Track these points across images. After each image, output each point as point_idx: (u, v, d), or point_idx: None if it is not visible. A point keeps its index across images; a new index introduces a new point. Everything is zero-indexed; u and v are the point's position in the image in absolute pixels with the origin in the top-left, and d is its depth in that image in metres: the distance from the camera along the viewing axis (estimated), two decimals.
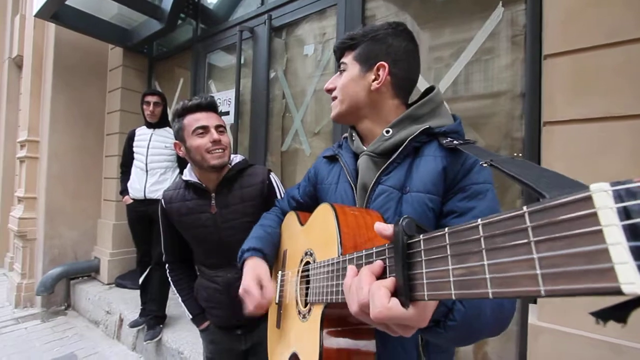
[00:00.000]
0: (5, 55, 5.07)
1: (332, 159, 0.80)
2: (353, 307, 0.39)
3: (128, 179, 2.54)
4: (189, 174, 1.14)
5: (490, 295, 0.24)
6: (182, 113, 1.08)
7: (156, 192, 2.42)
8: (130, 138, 2.57)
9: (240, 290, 0.73)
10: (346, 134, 0.81)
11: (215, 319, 1.18)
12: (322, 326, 0.53)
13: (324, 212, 0.62)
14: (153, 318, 2.40)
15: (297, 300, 0.68)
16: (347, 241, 0.52)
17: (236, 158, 1.19)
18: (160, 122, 2.54)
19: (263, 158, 2.45)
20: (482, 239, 0.25)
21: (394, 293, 0.35)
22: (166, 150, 2.49)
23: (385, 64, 0.67)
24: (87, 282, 3.44)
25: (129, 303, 2.88)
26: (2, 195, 4.87)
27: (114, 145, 3.53)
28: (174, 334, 2.30)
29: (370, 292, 0.36)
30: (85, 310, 3.18)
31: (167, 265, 1.27)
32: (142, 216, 2.50)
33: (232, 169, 1.14)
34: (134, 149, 2.52)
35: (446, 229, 0.29)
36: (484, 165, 0.43)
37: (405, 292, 0.33)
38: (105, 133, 3.69)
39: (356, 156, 0.72)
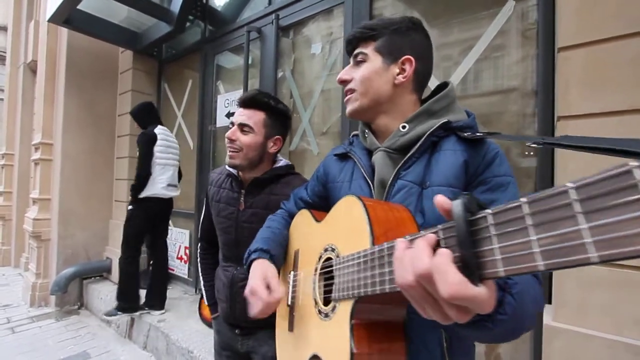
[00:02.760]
0: (20, 61, 5.21)
1: (343, 157, 0.78)
2: (407, 278, 0.36)
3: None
4: None
5: (597, 259, 0.23)
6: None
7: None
8: (150, 139, 2.72)
9: (247, 291, 0.70)
10: (355, 132, 0.80)
11: (221, 311, 1.19)
12: (354, 324, 0.51)
13: (348, 204, 0.60)
14: (157, 304, 2.71)
15: (315, 300, 0.66)
16: (379, 232, 0.50)
17: (281, 162, 1.17)
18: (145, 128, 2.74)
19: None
20: (574, 202, 0.24)
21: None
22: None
23: (412, 58, 0.66)
24: (99, 282, 3.50)
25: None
26: (17, 196, 4.99)
27: (124, 147, 3.58)
28: (184, 333, 2.31)
29: (435, 265, 0.33)
30: (97, 310, 3.23)
31: (199, 244, 1.32)
32: (157, 212, 2.71)
33: (268, 172, 1.11)
34: (153, 149, 2.68)
35: (523, 198, 0.28)
36: (534, 145, 0.42)
37: (475, 269, 0.31)
38: (117, 135, 3.74)
39: (369, 153, 0.71)
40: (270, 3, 2.59)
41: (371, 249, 0.47)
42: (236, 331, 1.16)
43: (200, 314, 2.52)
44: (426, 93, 0.75)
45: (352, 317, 0.51)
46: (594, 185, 0.23)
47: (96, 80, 3.65)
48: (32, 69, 4.96)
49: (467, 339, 0.61)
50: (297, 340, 0.71)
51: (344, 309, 0.54)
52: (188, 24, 3.09)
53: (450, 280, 0.32)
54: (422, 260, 0.34)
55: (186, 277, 3.24)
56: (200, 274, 1.32)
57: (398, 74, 0.66)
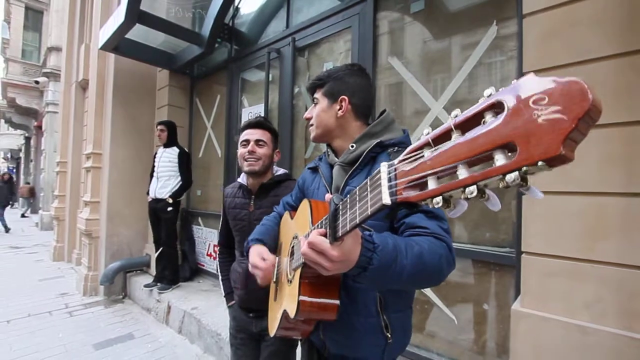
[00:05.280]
0: (73, 79, 5.88)
1: (315, 170, 1.04)
2: (303, 247, 0.61)
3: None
4: (242, 178, 1.48)
5: (357, 220, 0.49)
6: (240, 131, 1.44)
7: (162, 193, 3.36)
8: (154, 156, 3.57)
9: (250, 267, 0.96)
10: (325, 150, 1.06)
11: (237, 299, 1.46)
12: (301, 282, 0.74)
13: (303, 205, 0.86)
14: (167, 281, 3.43)
15: (287, 273, 0.89)
16: (317, 220, 0.72)
17: (279, 171, 1.49)
18: (169, 143, 3.48)
19: (289, 164, 2.74)
20: (356, 196, 0.51)
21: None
22: (170, 164, 3.41)
23: (346, 97, 0.91)
24: (140, 275, 3.94)
25: (175, 293, 3.30)
26: (70, 199, 5.63)
27: None
28: (213, 319, 2.64)
29: (311, 235, 0.60)
30: (139, 299, 3.66)
31: (218, 248, 1.63)
32: (153, 210, 3.48)
33: (272, 178, 1.44)
34: (154, 163, 3.50)
35: (348, 197, 0.54)
36: None
37: (331, 234, 0.57)
38: (155, 144, 4.20)
39: (331, 166, 0.96)
40: (287, 27, 2.89)
41: (308, 229, 0.73)
42: (250, 315, 1.42)
43: None
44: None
45: (301, 276, 0.75)
46: (358, 190, 0.51)
47: (138, 96, 4.13)
48: (82, 86, 5.60)
49: (368, 287, 0.80)
50: (278, 305, 0.94)
51: (298, 273, 0.77)
52: (216, 45, 3.47)
53: (312, 238, 0.59)
54: (309, 236, 0.61)
55: (215, 272, 3.60)
56: (218, 271, 1.63)
57: (338, 110, 0.92)
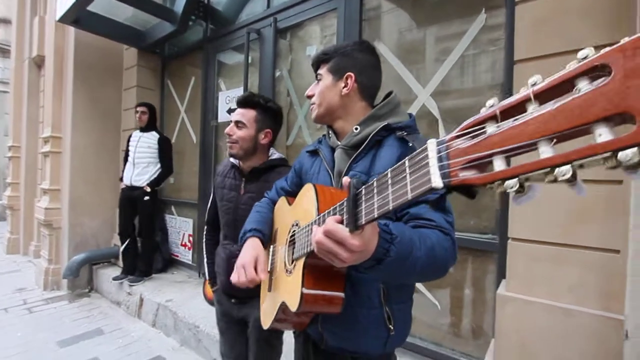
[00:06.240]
0: (25, 55, 5.33)
1: (314, 153, 0.97)
2: (317, 235, 0.55)
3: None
4: (235, 159, 1.38)
5: (391, 207, 0.44)
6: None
7: (139, 181, 3.17)
8: (128, 139, 3.33)
9: (238, 262, 0.89)
10: (325, 132, 1.00)
11: (220, 284, 1.40)
12: (304, 273, 0.69)
13: (306, 190, 0.80)
14: (139, 273, 3.27)
15: (285, 263, 0.84)
16: (324, 208, 0.66)
17: (275, 155, 1.39)
18: (148, 127, 3.27)
19: None
20: (388, 179, 0.45)
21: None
22: (149, 150, 3.20)
23: (352, 74, 0.85)
24: (108, 267, 3.72)
25: (147, 285, 3.14)
26: (25, 187, 5.18)
27: None
28: (190, 311, 2.54)
29: (326, 222, 0.54)
30: (107, 292, 3.46)
31: (205, 227, 1.55)
32: (127, 198, 3.23)
33: (265, 162, 1.34)
34: (129, 147, 3.26)
35: (374, 181, 0.48)
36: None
37: (351, 222, 0.51)
38: (122, 129, 3.92)
39: (333, 150, 0.90)
40: (268, 6, 2.75)
41: (315, 217, 0.67)
42: (232, 300, 1.38)
43: (205, 294, 2.75)
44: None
45: (304, 267, 0.70)
46: (395, 170, 0.45)
47: (102, 76, 3.81)
48: (36, 63, 5.09)
49: (374, 278, 0.76)
50: (273, 297, 0.90)
51: (300, 263, 0.73)
52: (190, 23, 3.25)
53: (329, 225, 0.53)
54: (326, 224, 0.55)
55: (190, 262, 3.47)
56: (204, 252, 1.54)
57: (343, 87, 0.85)
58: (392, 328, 0.78)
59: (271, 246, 1.00)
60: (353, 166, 0.81)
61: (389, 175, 0.45)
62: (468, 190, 0.34)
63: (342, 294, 0.70)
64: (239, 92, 2.87)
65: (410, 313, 0.87)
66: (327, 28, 2.43)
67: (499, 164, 0.30)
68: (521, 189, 0.29)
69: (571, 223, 1.23)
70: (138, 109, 3.25)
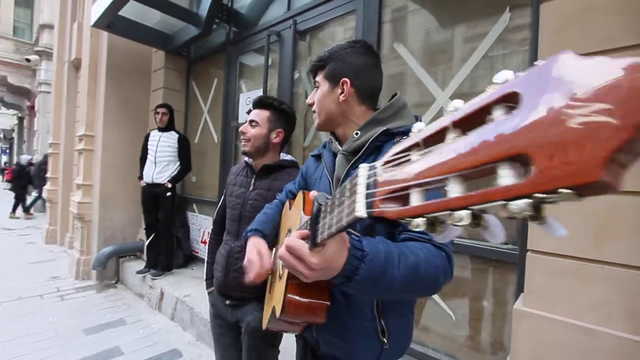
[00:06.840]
0: (65, 58, 5.69)
1: (318, 158, 0.96)
2: (281, 249, 0.55)
3: (143, 168, 3.40)
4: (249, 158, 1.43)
5: (334, 229, 0.42)
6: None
7: (160, 178, 3.29)
8: (146, 138, 3.46)
9: (245, 261, 0.89)
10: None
11: (216, 283, 1.40)
12: (288, 279, 0.67)
13: (299, 198, 0.80)
14: (161, 267, 3.38)
15: (279, 266, 0.84)
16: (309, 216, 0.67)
17: (287, 156, 1.44)
18: (167, 127, 3.38)
19: (286, 152, 2.67)
20: (336, 200, 0.44)
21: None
22: (169, 149, 3.33)
23: (348, 80, 0.81)
24: (134, 261, 3.89)
25: (168, 279, 3.26)
26: (63, 182, 5.53)
27: None
28: (206, 307, 2.59)
29: (289, 238, 0.54)
30: (132, 285, 3.62)
31: (212, 226, 1.58)
32: (150, 195, 3.37)
33: (276, 161, 1.38)
34: (148, 147, 3.39)
35: (334, 197, 0.46)
36: None
37: (311, 238, 0.50)
38: (149, 128, 4.08)
39: (335, 155, 0.88)
40: (289, 9, 2.77)
41: (297, 226, 0.66)
42: (226, 302, 1.36)
43: None
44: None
45: (289, 274, 0.68)
46: (340, 191, 0.43)
47: (132, 77, 4.00)
48: (75, 66, 5.42)
49: (357, 295, 0.73)
50: (271, 299, 0.90)
51: (286, 271, 0.71)
52: (214, 26, 3.33)
53: (290, 240, 0.53)
54: (288, 239, 0.54)
55: None
56: (207, 250, 1.57)
57: (340, 94, 0.82)
58: (385, 342, 0.75)
59: (274, 248, 1.01)
60: (351, 172, 0.79)
61: (337, 195, 0.43)
62: (393, 222, 0.30)
63: (326, 302, 0.69)
64: (259, 93, 2.91)
65: (410, 327, 0.84)
66: (347, 31, 2.41)
67: (414, 199, 0.27)
68: (432, 228, 0.26)
69: (596, 237, 1.15)
70: (159, 110, 3.35)
